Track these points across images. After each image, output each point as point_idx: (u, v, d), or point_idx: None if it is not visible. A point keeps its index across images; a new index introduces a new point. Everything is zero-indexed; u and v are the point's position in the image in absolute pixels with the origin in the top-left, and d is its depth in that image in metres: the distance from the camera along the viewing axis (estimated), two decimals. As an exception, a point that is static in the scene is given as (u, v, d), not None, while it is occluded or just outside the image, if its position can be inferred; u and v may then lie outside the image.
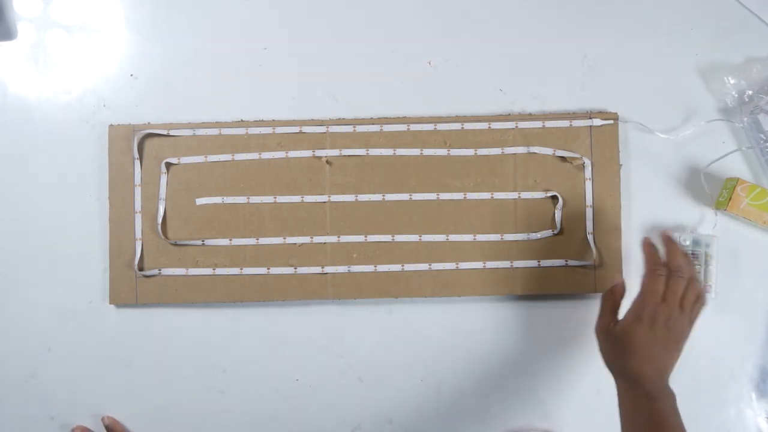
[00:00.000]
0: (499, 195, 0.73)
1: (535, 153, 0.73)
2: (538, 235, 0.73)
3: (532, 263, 0.73)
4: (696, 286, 0.63)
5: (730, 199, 0.70)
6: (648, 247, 0.66)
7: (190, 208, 0.74)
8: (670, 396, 0.59)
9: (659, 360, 0.60)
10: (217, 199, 0.74)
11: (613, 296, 0.66)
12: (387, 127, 0.74)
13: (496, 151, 0.73)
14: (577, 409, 0.74)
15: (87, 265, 0.74)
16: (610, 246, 0.73)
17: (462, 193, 0.73)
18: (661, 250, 0.66)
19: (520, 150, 0.73)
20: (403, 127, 0.74)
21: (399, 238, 0.73)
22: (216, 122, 0.74)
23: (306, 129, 0.74)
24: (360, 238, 0.73)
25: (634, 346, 0.60)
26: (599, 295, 0.71)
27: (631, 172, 0.74)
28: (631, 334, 0.61)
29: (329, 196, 0.73)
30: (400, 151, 0.74)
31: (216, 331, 0.74)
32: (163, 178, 0.74)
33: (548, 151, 0.73)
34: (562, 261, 0.73)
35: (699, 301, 0.63)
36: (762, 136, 0.72)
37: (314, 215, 0.73)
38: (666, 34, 0.75)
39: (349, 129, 0.74)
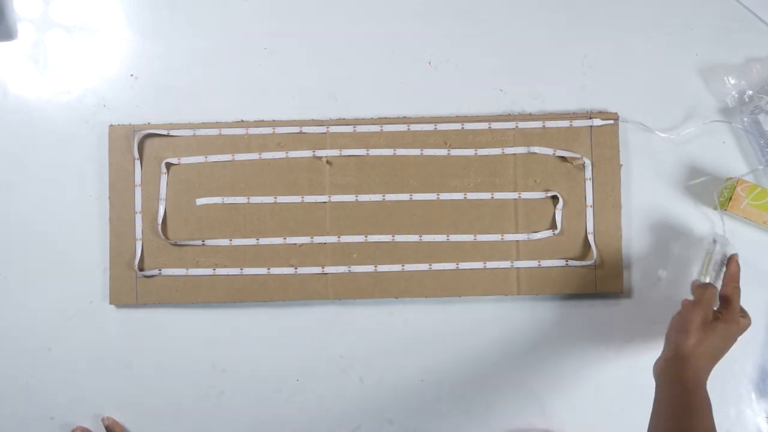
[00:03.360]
0: (500, 195, 0.73)
1: (536, 153, 0.73)
2: (539, 235, 0.73)
3: (532, 263, 0.73)
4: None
5: (731, 199, 0.70)
6: (736, 265, 0.69)
7: (190, 208, 0.74)
8: None
9: (717, 358, 0.63)
10: (217, 200, 0.74)
11: (713, 290, 0.66)
12: (387, 127, 0.74)
13: (497, 151, 0.73)
14: (577, 409, 0.74)
15: (87, 265, 0.74)
16: (611, 246, 0.73)
17: (462, 193, 0.73)
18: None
19: (521, 150, 0.73)
20: (403, 127, 0.74)
21: (399, 238, 0.73)
22: (216, 122, 0.74)
23: (306, 129, 0.74)
24: (360, 238, 0.73)
25: (729, 340, 0.64)
26: (599, 295, 0.71)
27: (632, 172, 0.74)
28: (739, 329, 0.65)
29: (329, 196, 0.73)
30: (400, 151, 0.74)
31: (216, 331, 0.74)
32: (163, 179, 0.74)
33: (548, 151, 0.73)
34: (562, 261, 0.73)
35: None
36: (762, 136, 0.72)
37: (314, 215, 0.73)
38: (666, 34, 0.75)
39: (349, 129, 0.74)
